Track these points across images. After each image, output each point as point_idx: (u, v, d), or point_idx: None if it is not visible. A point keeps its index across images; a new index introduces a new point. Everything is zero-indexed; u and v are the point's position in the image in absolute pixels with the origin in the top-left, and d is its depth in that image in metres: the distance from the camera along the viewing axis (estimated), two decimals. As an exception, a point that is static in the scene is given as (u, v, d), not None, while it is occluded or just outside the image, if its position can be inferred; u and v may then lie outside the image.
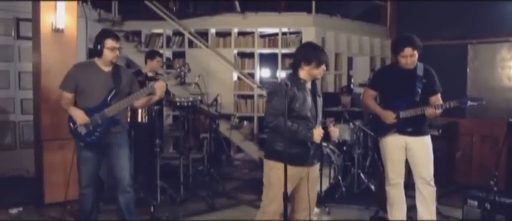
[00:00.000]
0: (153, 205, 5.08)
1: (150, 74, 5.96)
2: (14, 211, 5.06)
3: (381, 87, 4.46)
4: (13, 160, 6.61)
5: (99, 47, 3.98)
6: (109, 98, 3.99)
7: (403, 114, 4.24)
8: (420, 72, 4.26)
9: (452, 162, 6.26)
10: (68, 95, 4.03)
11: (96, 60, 4.06)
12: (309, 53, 3.44)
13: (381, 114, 4.37)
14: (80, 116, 3.95)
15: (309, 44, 3.61)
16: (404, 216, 4.47)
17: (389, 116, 4.30)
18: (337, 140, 3.71)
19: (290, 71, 3.61)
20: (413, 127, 4.27)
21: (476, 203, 4.67)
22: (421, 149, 4.32)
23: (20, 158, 6.62)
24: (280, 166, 3.28)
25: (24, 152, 6.61)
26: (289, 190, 3.30)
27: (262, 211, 3.52)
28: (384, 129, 4.38)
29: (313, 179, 3.58)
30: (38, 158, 5.35)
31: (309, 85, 3.51)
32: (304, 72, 3.46)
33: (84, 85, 3.99)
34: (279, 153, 3.35)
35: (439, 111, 4.14)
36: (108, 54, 3.98)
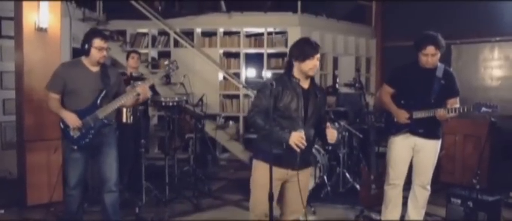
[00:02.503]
0: (138, 205, 5.05)
1: (135, 74, 5.92)
2: (-4, 212, 5.00)
3: (398, 84, 4.35)
4: (-5, 161, 6.54)
5: (86, 46, 3.92)
6: (99, 100, 3.95)
7: (416, 114, 4.19)
8: (439, 73, 4.18)
9: (437, 161, 6.32)
10: (56, 96, 3.96)
11: (83, 59, 4.01)
12: (295, 48, 3.34)
13: (394, 112, 4.31)
14: (72, 120, 3.88)
15: (300, 40, 3.47)
16: (397, 218, 4.50)
17: (402, 116, 4.25)
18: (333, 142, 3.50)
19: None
20: (425, 128, 4.22)
21: (459, 201, 4.73)
22: (428, 153, 4.30)
23: (2, 160, 6.53)
24: (263, 165, 3.26)
25: (6, 153, 6.51)
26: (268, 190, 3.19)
27: (251, 211, 3.47)
28: (397, 128, 4.33)
29: (302, 184, 3.37)
30: (21, 159, 5.28)
31: (305, 85, 3.36)
32: (295, 70, 3.34)
33: (72, 86, 3.93)
34: (262, 153, 3.32)
35: (451, 114, 4.06)
36: (95, 54, 3.92)
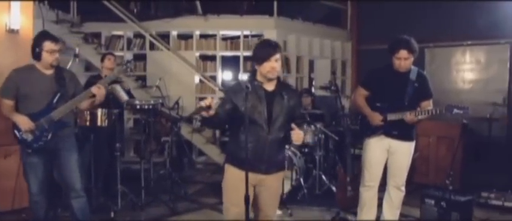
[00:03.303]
0: (113, 210, 5.00)
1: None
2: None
3: (373, 87, 4.41)
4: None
5: (37, 50, 3.86)
6: (55, 102, 3.88)
7: (390, 117, 4.24)
8: (413, 76, 4.25)
9: (411, 162, 6.42)
10: (9, 102, 3.88)
11: (36, 63, 3.93)
12: (254, 52, 3.28)
13: (369, 115, 4.36)
14: (23, 122, 3.81)
15: (258, 42, 3.39)
16: (373, 219, 4.54)
17: (376, 118, 4.30)
18: (302, 143, 3.42)
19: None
20: (399, 130, 4.27)
21: (433, 202, 4.81)
22: (402, 155, 4.36)
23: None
24: (232, 169, 3.27)
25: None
26: (241, 195, 3.14)
27: (224, 215, 3.43)
28: (372, 130, 4.37)
29: (273, 188, 3.35)
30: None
31: (269, 87, 3.27)
32: (258, 73, 3.26)
33: (25, 90, 3.85)
34: (230, 156, 3.33)
35: (420, 117, 4.13)
36: (47, 58, 3.85)
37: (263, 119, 3.20)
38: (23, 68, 4.08)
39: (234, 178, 3.28)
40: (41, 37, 3.90)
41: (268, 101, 3.22)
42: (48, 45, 3.84)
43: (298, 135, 3.14)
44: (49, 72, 3.94)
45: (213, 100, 2.98)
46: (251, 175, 3.18)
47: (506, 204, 5.34)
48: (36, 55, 3.87)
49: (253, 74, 3.32)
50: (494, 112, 6.29)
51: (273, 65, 3.17)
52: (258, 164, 3.23)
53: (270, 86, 3.28)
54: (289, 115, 3.30)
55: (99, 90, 3.90)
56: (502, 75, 7.90)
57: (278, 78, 3.31)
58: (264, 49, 3.20)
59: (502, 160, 6.76)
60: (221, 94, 7.93)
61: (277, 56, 3.20)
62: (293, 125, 3.15)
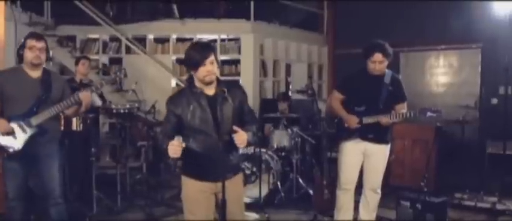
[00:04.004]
0: (88, 216, 4.93)
1: (85, 81, 5.77)
2: None
3: (348, 91, 4.45)
4: None
5: (20, 51, 3.79)
6: (36, 106, 3.78)
7: (366, 120, 4.28)
8: (387, 79, 4.31)
9: (387, 165, 6.50)
10: None
11: (23, 65, 3.85)
12: (185, 58, 3.11)
13: (345, 118, 4.39)
14: (1, 125, 3.72)
15: (188, 47, 3.16)
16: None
17: (352, 121, 4.33)
18: (245, 147, 3.29)
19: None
20: (375, 134, 4.32)
21: (408, 204, 4.87)
22: (377, 158, 4.41)
23: None
24: (189, 181, 3.19)
25: None
26: (202, 207, 3.15)
27: None
28: (347, 133, 4.40)
29: (234, 194, 3.16)
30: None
31: (209, 91, 3.11)
32: (195, 79, 3.10)
33: (9, 93, 3.76)
34: (185, 167, 3.25)
35: (394, 119, 4.19)
36: (27, 55, 3.77)
37: (210, 126, 3.06)
38: (9, 69, 4.01)
39: (193, 190, 3.18)
40: (25, 37, 3.83)
41: (211, 107, 3.07)
42: (29, 41, 3.77)
43: (240, 137, 3.00)
44: (36, 75, 3.85)
45: (180, 143, 2.89)
46: (210, 184, 3.12)
47: (479, 205, 5.44)
48: (20, 56, 3.79)
49: (190, 81, 3.15)
50: (467, 115, 6.41)
51: (208, 69, 2.99)
52: (214, 173, 3.07)
53: (210, 90, 3.11)
54: (237, 114, 3.17)
55: (85, 98, 3.82)
56: (474, 79, 8.08)
57: (217, 79, 3.13)
58: (196, 53, 3.00)
59: (474, 161, 6.90)
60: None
61: (212, 57, 3.01)
62: (235, 128, 3.00)
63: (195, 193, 3.15)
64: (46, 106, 3.81)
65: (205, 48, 3.04)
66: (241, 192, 3.46)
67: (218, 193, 3.15)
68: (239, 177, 3.36)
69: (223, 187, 2.98)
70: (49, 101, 3.83)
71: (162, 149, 3.01)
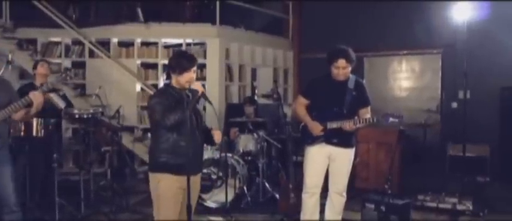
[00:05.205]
0: (50, 223, 4.80)
1: (46, 87, 5.60)
2: None
3: (313, 96, 4.49)
4: None
5: None
6: None
7: (330, 125, 4.32)
8: (351, 84, 4.37)
9: (352, 168, 6.59)
10: None
11: None
12: (173, 61, 3.46)
13: (309, 124, 4.43)
14: None
15: (176, 53, 3.69)
16: None
17: (316, 128, 4.37)
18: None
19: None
20: (339, 138, 4.36)
21: (373, 206, 4.96)
22: (342, 162, 4.45)
23: None
24: (168, 177, 3.30)
25: None
26: (178, 201, 3.32)
27: None
28: (312, 138, 4.44)
29: (196, 190, 3.52)
30: None
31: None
32: (174, 82, 3.45)
33: None
34: (164, 164, 3.34)
35: (358, 125, 4.26)
36: None
37: (194, 122, 3.40)
38: None
39: (172, 187, 3.30)
40: None
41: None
42: None
43: (218, 134, 3.56)
44: None
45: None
46: (183, 179, 3.27)
47: (441, 206, 5.58)
48: None
49: (168, 83, 3.50)
50: (429, 119, 6.58)
51: (192, 76, 3.40)
52: (194, 167, 3.36)
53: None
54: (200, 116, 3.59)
55: (36, 98, 3.71)
56: (435, 83, 8.31)
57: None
58: (186, 60, 3.40)
59: (436, 163, 7.09)
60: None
61: (195, 68, 3.44)
62: (211, 127, 3.55)
63: (175, 190, 3.31)
64: None
65: (193, 59, 3.45)
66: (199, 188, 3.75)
67: (184, 188, 3.31)
68: (200, 175, 3.65)
69: (188, 181, 3.22)
70: None
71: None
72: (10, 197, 3.81)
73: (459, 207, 5.50)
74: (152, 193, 3.45)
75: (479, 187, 6.52)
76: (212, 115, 5.72)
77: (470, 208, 5.45)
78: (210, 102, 3.52)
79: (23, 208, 4.02)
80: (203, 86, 3.65)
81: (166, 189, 3.33)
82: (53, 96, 5.24)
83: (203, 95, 3.43)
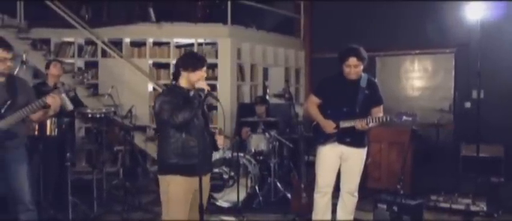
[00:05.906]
0: (63, 222, 4.84)
1: (58, 85, 5.66)
2: None
3: (325, 95, 4.48)
4: None
5: None
6: (3, 111, 3.72)
7: (343, 124, 4.31)
8: (363, 83, 4.35)
9: (364, 168, 6.57)
10: None
11: None
12: (185, 60, 3.51)
13: (321, 123, 4.42)
14: None
15: (187, 53, 3.75)
16: None
17: (329, 126, 4.36)
18: (222, 148, 3.89)
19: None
20: (352, 137, 4.35)
21: (385, 206, 4.94)
22: (354, 162, 4.43)
23: None
24: (179, 179, 3.30)
25: None
26: (187, 203, 3.32)
27: None
28: (325, 137, 4.43)
29: (206, 190, 3.50)
30: None
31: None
32: (183, 80, 3.47)
33: None
34: (176, 166, 3.34)
35: (371, 124, 4.24)
36: None
37: (203, 121, 3.45)
38: None
39: (183, 189, 3.30)
40: None
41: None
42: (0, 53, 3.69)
43: (222, 139, 3.63)
44: (0, 80, 3.79)
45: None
46: (195, 180, 3.28)
47: (454, 206, 5.54)
48: None
49: (175, 83, 3.51)
50: (441, 119, 6.54)
51: (203, 74, 3.47)
52: (204, 167, 3.39)
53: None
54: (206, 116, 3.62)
55: (54, 100, 3.76)
56: (448, 83, 8.23)
57: None
58: (198, 59, 3.50)
59: (449, 164, 7.03)
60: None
61: (206, 68, 3.52)
62: (216, 131, 3.54)
63: (187, 192, 3.32)
64: (12, 111, 3.75)
65: (204, 58, 3.57)
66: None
67: (196, 189, 3.33)
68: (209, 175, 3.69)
69: (200, 181, 3.25)
70: (16, 105, 3.77)
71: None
72: (26, 196, 3.85)
73: (473, 208, 5.45)
74: (161, 195, 3.45)
75: (493, 188, 6.45)
76: (221, 114, 5.73)
77: (484, 208, 5.40)
78: (217, 99, 3.62)
79: (37, 206, 4.06)
80: (214, 85, 3.70)
81: (176, 192, 3.33)
82: (64, 97, 5.28)
83: (209, 93, 3.45)
